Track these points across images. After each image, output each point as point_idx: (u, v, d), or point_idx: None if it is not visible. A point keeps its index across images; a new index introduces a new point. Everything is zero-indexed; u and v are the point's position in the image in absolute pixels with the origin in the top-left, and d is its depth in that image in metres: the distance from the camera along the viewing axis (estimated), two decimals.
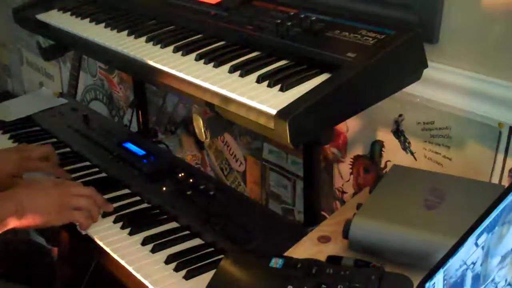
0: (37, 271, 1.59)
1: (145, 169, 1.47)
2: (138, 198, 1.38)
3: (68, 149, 1.63)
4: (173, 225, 1.28)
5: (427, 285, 0.62)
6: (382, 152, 1.31)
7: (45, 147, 1.52)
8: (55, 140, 1.69)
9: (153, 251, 1.18)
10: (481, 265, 0.71)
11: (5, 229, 1.15)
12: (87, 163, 1.55)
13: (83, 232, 1.25)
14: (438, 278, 0.63)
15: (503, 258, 0.75)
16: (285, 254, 0.99)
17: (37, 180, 1.36)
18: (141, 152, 1.54)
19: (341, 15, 1.07)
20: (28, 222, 1.17)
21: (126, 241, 1.22)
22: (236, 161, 1.77)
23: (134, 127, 1.90)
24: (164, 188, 1.39)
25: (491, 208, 0.69)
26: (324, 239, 1.05)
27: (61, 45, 1.58)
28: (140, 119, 1.81)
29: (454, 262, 0.65)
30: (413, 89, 1.07)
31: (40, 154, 1.45)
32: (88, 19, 1.39)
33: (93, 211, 1.25)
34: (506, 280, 0.78)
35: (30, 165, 1.42)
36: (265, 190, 1.70)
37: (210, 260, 1.15)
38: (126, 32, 1.26)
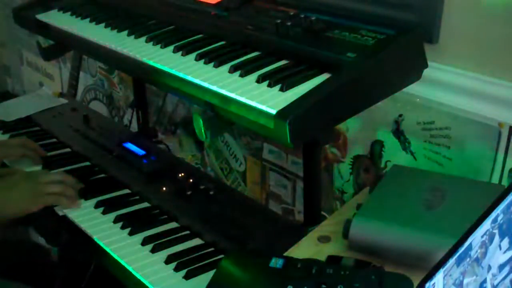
0: (37, 271, 1.59)
1: (145, 169, 1.47)
2: (138, 198, 1.38)
3: (68, 149, 1.63)
4: (173, 225, 1.28)
5: (427, 285, 0.62)
6: (382, 152, 1.31)
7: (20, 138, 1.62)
8: (55, 140, 1.69)
9: (153, 251, 1.18)
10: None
11: None
12: (87, 163, 1.55)
13: (60, 213, 1.32)
14: (438, 278, 0.63)
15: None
16: (285, 254, 0.99)
17: (10, 174, 1.44)
18: (141, 152, 1.54)
19: (341, 15, 1.07)
20: (6, 213, 1.30)
21: (126, 241, 1.22)
22: (236, 161, 1.77)
23: (134, 127, 1.90)
24: (164, 188, 1.39)
25: (491, 208, 0.69)
26: (324, 239, 1.05)
27: (61, 45, 1.58)
28: (140, 119, 1.81)
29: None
30: (413, 89, 1.07)
31: (17, 142, 1.56)
32: (88, 19, 1.39)
33: (67, 192, 1.33)
34: None
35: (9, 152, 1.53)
36: (265, 190, 1.70)
37: (210, 260, 1.15)
38: (126, 32, 1.26)
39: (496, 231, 0.71)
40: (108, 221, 1.28)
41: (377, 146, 1.32)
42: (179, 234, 1.24)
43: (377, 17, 1.08)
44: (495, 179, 1.11)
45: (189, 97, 1.05)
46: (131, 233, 1.24)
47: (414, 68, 1.02)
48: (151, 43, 1.19)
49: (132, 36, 1.24)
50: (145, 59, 1.13)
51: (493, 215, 0.69)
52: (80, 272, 1.41)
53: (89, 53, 1.64)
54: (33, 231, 1.76)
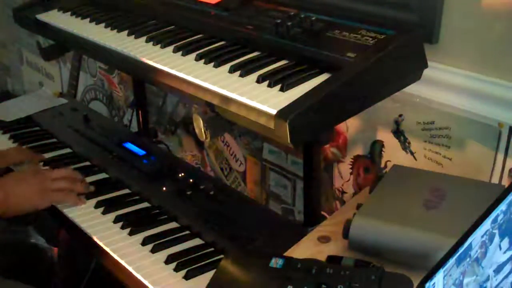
0: (37, 271, 1.59)
1: (145, 169, 1.47)
2: (138, 198, 1.38)
3: (68, 149, 1.63)
4: (173, 225, 1.28)
5: (427, 285, 0.62)
6: (382, 152, 1.31)
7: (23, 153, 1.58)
8: (55, 140, 1.69)
9: (153, 251, 1.18)
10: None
11: None
12: (87, 163, 1.55)
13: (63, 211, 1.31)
14: (438, 278, 0.63)
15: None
16: (285, 254, 0.99)
17: (19, 170, 1.47)
18: (141, 152, 1.54)
19: (341, 15, 1.07)
20: (14, 209, 1.29)
21: (126, 241, 1.22)
22: (236, 161, 1.77)
23: (134, 127, 1.90)
24: (164, 188, 1.39)
25: (491, 208, 0.69)
26: (324, 239, 1.05)
27: (61, 45, 1.58)
28: (140, 119, 1.81)
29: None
30: (413, 89, 1.07)
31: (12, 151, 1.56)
32: (88, 19, 1.39)
33: (74, 188, 1.35)
34: None
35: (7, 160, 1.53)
36: (265, 190, 1.70)
37: (210, 260, 1.15)
38: (126, 32, 1.26)
39: (496, 231, 0.71)
40: (108, 221, 1.28)
41: (377, 146, 1.32)
42: (179, 234, 1.24)
43: (377, 17, 1.08)
44: (495, 179, 1.11)
45: (189, 97, 1.05)
46: (131, 233, 1.24)
47: (414, 68, 1.02)
48: (151, 43, 1.19)
49: (132, 36, 1.24)
50: (145, 59, 1.14)
51: (493, 215, 0.69)
52: (80, 272, 1.42)
53: (89, 53, 1.64)
54: (33, 231, 1.76)
